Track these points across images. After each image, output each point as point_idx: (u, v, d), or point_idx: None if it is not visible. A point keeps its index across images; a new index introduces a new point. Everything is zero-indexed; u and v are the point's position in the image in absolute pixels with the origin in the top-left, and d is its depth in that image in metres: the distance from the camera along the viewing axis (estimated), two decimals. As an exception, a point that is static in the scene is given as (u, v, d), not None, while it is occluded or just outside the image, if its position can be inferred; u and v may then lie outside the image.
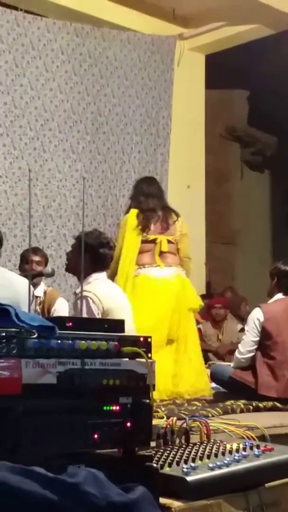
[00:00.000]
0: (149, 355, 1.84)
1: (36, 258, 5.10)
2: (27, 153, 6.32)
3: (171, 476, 1.86)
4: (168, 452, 2.09)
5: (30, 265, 4.86)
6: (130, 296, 4.69)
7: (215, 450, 2.12)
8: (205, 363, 5.37)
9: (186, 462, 1.98)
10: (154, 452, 2.07)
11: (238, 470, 1.99)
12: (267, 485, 2.02)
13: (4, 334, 1.56)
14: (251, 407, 3.91)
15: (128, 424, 1.77)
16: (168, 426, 2.38)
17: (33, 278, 4.79)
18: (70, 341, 1.67)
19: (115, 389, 1.76)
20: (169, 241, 5.02)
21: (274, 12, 7.19)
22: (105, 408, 1.74)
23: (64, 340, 1.66)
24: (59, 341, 1.64)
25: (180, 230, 5.12)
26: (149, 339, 1.89)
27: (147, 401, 1.81)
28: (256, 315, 4.43)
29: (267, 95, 9.27)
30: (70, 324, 1.78)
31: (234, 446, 2.21)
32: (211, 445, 2.20)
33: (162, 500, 1.74)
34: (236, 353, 4.54)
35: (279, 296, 4.53)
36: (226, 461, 1.99)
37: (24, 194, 6.20)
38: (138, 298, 4.81)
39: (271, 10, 7.17)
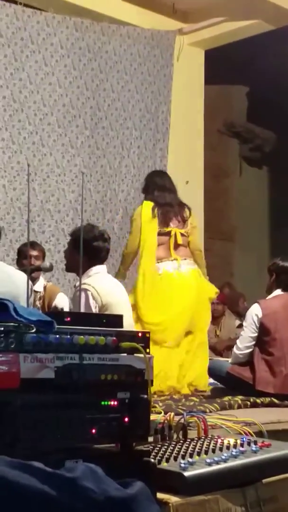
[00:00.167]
0: (148, 350, 1.84)
1: (34, 252, 5.11)
2: (26, 147, 6.30)
3: (168, 471, 1.86)
4: (165, 447, 2.09)
5: (28, 259, 4.86)
6: (151, 290, 4.80)
7: (213, 446, 2.12)
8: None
9: (183, 457, 1.98)
10: (151, 447, 2.07)
11: (236, 465, 1.99)
12: (264, 481, 2.02)
13: (2, 328, 1.56)
14: (248, 403, 3.93)
15: (126, 419, 1.77)
16: (166, 421, 2.38)
17: (31, 272, 4.80)
18: (69, 336, 1.67)
19: (113, 384, 1.76)
20: (182, 234, 5.10)
21: (274, 7, 7.17)
22: (103, 403, 1.74)
23: (62, 335, 1.66)
24: (57, 336, 1.64)
25: (191, 223, 5.21)
26: (147, 335, 1.89)
27: (145, 396, 1.81)
28: (255, 311, 4.44)
29: (266, 91, 9.25)
30: (69, 319, 1.77)
31: (232, 441, 2.21)
32: (208, 441, 2.21)
33: (160, 495, 1.74)
34: (234, 349, 4.55)
35: (277, 292, 4.54)
36: (223, 457, 1.99)
37: (22, 188, 6.19)
38: (161, 292, 4.92)
39: (271, 6, 7.16)
